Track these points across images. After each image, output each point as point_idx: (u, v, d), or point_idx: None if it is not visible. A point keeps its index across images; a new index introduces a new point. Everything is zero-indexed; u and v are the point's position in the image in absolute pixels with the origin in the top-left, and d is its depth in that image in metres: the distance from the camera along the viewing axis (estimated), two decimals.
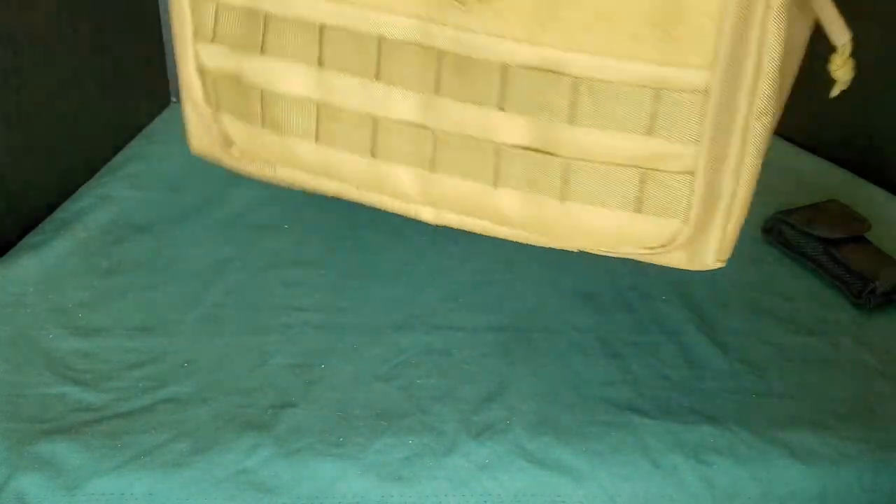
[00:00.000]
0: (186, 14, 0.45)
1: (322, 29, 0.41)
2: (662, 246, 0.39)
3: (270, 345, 0.46)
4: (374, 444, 0.39)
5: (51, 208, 0.60)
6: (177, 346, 0.45)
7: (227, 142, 0.47)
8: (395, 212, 0.45)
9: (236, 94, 0.45)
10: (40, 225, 0.57)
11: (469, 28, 0.38)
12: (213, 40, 0.44)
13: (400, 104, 0.41)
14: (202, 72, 0.46)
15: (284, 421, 0.40)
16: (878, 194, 0.72)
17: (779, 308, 0.53)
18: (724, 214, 0.39)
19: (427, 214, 0.44)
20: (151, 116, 0.78)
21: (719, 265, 0.40)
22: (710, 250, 0.40)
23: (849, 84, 0.38)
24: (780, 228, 0.62)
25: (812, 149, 0.84)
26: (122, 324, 0.47)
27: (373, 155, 0.43)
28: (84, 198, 0.61)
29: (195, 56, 0.46)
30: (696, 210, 0.37)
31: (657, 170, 0.37)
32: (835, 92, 0.39)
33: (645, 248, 0.40)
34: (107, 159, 0.69)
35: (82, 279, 0.51)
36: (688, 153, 0.36)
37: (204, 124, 0.48)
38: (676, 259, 0.40)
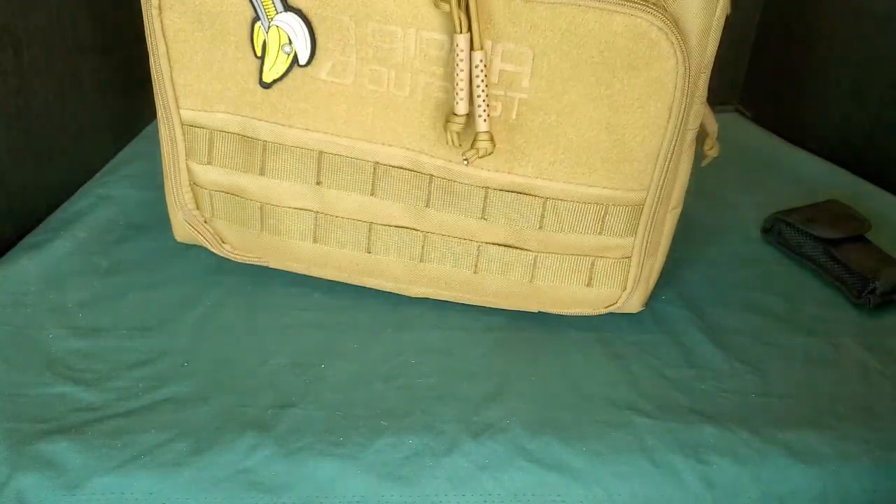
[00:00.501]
0: (178, 138, 0.47)
1: (320, 155, 0.46)
2: (607, 307, 0.49)
3: (270, 345, 0.46)
4: (374, 444, 0.39)
5: (51, 208, 0.60)
6: (177, 346, 0.45)
7: (220, 240, 0.51)
8: (381, 289, 0.51)
9: (233, 204, 0.49)
10: (40, 225, 0.57)
11: (456, 161, 0.45)
12: (208, 163, 0.47)
13: (393, 213, 0.47)
14: (195, 185, 0.49)
15: (284, 421, 0.40)
16: (878, 194, 0.72)
17: (779, 308, 0.53)
18: (646, 278, 0.49)
19: (411, 291, 0.50)
20: (151, 116, 0.78)
21: (643, 309, 0.51)
22: (636, 301, 0.50)
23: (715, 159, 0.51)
24: (779, 228, 0.62)
25: (812, 149, 0.84)
26: (122, 324, 0.47)
27: (368, 251, 0.48)
28: (84, 198, 0.61)
29: (188, 172, 0.48)
30: (632, 281, 0.48)
31: (604, 256, 0.47)
32: (704, 164, 0.52)
33: (594, 309, 0.49)
34: (107, 159, 0.69)
35: (82, 279, 0.51)
36: (627, 244, 0.47)
37: (193, 225, 0.50)
38: (614, 310, 0.50)
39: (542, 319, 0.50)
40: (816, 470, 0.40)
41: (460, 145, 0.42)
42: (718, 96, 0.95)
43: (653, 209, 0.46)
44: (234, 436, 0.39)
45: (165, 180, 0.50)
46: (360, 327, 0.48)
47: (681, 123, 0.43)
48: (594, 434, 0.41)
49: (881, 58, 0.75)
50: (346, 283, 0.51)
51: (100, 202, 0.60)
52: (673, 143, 0.43)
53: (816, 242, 0.58)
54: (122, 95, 0.72)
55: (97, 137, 0.68)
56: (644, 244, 0.47)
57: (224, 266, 0.53)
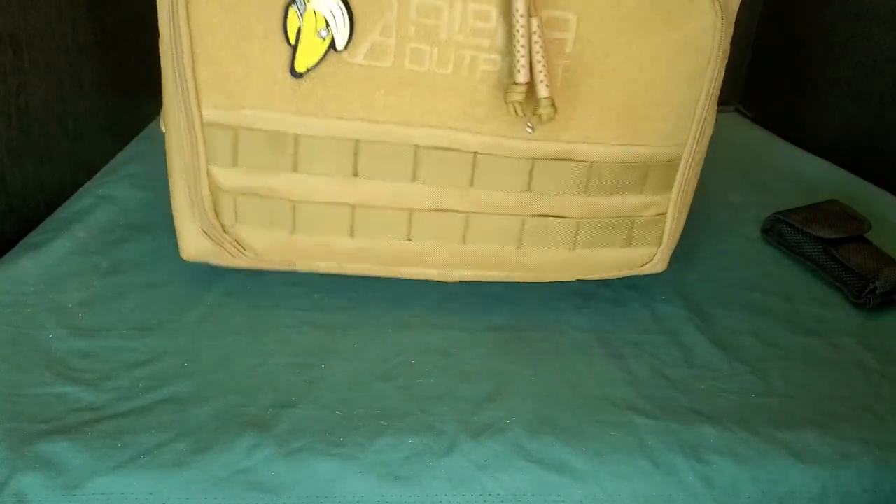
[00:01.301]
0: (199, 142, 0.44)
1: (356, 144, 0.44)
2: (642, 266, 0.51)
3: (270, 345, 0.46)
4: (374, 444, 0.39)
5: (51, 208, 0.60)
6: (177, 346, 0.45)
7: (241, 248, 0.48)
8: (419, 278, 0.49)
9: (260, 206, 0.46)
10: (40, 225, 0.57)
11: (502, 134, 0.44)
12: (234, 164, 0.44)
13: (435, 197, 0.46)
14: (217, 191, 0.46)
15: (284, 421, 0.40)
16: (878, 194, 0.72)
17: (779, 308, 0.53)
18: (676, 232, 0.51)
19: (452, 276, 0.49)
20: (151, 116, 0.79)
21: (664, 267, 0.52)
22: (664, 259, 0.51)
23: None
24: (779, 228, 0.62)
25: (812, 149, 0.84)
26: (122, 324, 0.47)
27: (409, 240, 0.47)
28: (84, 198, 0.61)
29: (208, 177, 0.45)
30: (667, 236, 0.50)
31: (642, 216, 0.49)
32: None
33: (630, 269, 0.51)
34: (107, 159, 0.69)
35: (82, 279, 0.51)
36: (664, 200, 0.49)
37: (212, 235, 0.47)
38: (648, 268, 0.52)
39: (541, 319, 0.50)
40: (816, 470, 0.40)
41: (524, 114, 0.41)
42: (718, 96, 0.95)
43: (689, 163, 0.47)
44: (234, 436, 0.39)
45: (175, 191, 0.47)
46: (360, 327, 0.48)
47: (716, 75, 0.44)
48: (594, 434, 0.41)
49: (881, 58, 0.75)
50: (346, 283, 0.51)
51: (100, 202, 0.60)
52: (709, 96, 0.45)
53: (816, 242, 0.58)
54: (122, 95, 0.72)
55: (97, 137, 0.68)
56: (678, 198, 0.48)
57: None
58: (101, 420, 0.39)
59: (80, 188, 0.63)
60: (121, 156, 0.70)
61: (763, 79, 0.96)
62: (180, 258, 0.53)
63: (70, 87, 0.62)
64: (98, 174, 0.66)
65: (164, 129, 0.46)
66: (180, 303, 0.49)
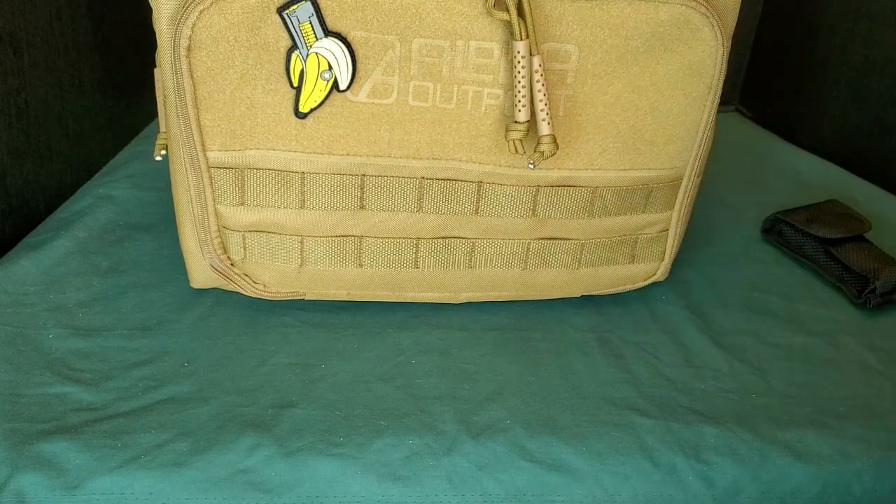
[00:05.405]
0: (206, 184, 0.44)
1: (362, 179, 0.44)
2: (646, 280, 0.52)
3: (270, 345, 0.46)
4: (374, 444, 0.39)
5: (51, 208, 0.60)
6: (177, 346, 0.45)
7: (252, 281, 0.48)
8: (427, 301, 0.50)
9: (269, 243, 0.46)
10: (40, 225, 0.57)
11: (507, 164, 0.45)
12: (241, 203, 0.44)
13: (440, 226, 0.46)
14: (225, 229, 0.46)
15: (284, 421, 0.40)
16: (878, 194, 0.72)
17: (779, 308, 0.53)
18: (677, 245, 0.52)
19: (459, 298, 0.50)
20: (151, 116, 0.79)
21: (666, 277, 0.53)
22: (667, 269, 0.52)
23: None
24: (780, 228, 0.62)
25: (812, 149, 0.84)
26: (122, 324, 0.47)
27: (416, 267, 0.47)
28: (84, 198, 0.61)
29: (215, 216, 0.45)
30: (669, 251, 0.51)
31: (645, 233, 0.50)
32: None
33: (633, 284, 0.52)
34: (107, 159, 0.69)
35: (82, 279, 0.51)
36: (666, 217, 0.50)
37: (222, 271, 0.47)
38: (652, 280, 0.53)
39: (542, 319, 0.50)
40: (816, 470, 0.40)
41: (524, 152, 0.42)
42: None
43: (690, 181, 0.48)
44: (234, 436, 0.39)
45: (182, 227, 0.46)
46: (360, 327, 0.48)
47: (718, 96, 0.45)
48: (594, 434, 0.41)
49: (881, 58, 0.75)
50: None
51: (100, 202, 0.60)
52: (711, 116, 0.46)
53: (816, 242, 0.58)
54: (122, 95, 0.72)
55: (97, 137, 0.68)
56: (680, 214, 0.50)
57: None
58: (101, 420, 0.39)
59: (80, 188, 0.63)
60: (121, 156, 0.70)
61: (763, 79, 0.96)
62: (180, 258, 0.53)
63: (70, 86, 0.62)
64: (98, 174, 0.66)
65: (158, 157, 0.46)
66: (180, 303, 0.49)
